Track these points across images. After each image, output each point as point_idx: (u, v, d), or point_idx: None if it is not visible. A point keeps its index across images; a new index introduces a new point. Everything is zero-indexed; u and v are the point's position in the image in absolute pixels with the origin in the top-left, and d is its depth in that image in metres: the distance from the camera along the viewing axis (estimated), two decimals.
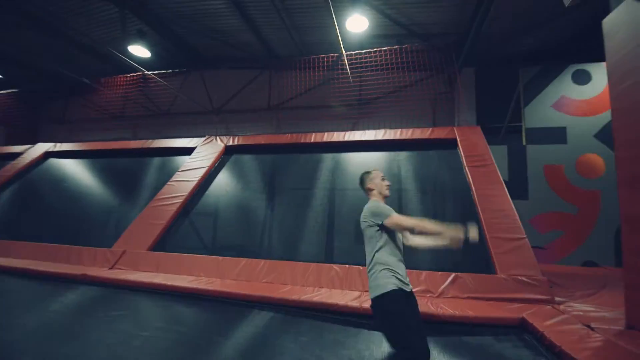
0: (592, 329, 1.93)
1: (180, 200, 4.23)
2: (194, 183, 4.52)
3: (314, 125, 8.23)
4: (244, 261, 3.23)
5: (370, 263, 1.76)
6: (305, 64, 7.55)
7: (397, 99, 7.43)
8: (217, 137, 5.49)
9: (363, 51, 5.94)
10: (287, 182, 4.83)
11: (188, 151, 5.44)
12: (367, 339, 2.05)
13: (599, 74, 5.09)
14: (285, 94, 8.77)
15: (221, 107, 9.07)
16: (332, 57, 6.21)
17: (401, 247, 1.85)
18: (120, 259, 3.53)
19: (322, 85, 8.13)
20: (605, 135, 4.94)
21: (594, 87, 5.10)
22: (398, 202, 3.99)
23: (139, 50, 6.31)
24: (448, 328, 2.22)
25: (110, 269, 3.43)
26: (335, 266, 3.00)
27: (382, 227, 1.77)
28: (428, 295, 2.63)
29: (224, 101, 9.12)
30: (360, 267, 2.90)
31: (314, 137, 5.04)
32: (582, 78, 5.17)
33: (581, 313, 2.21)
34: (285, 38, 7.62)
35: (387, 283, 1.64)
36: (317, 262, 3.15)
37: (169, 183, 4.61)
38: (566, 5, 2.27)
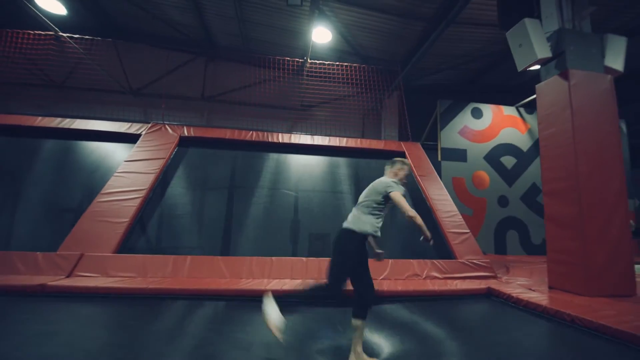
0: (532, 290, 2.87)
1: (141, 195, 3.71)
2: (152, 176, 4.00)
3: (249, 122, 8.11)
4: (254, 260, 3.18)
5: (360, 214, 2.00)
6: (255, 60, 7.42)
7: (335, 108, 8.11)
8: (167, 126, 4.94)
9: (327, 62, 6.32)
10: (254, 181, 4.77)
11: (126, 138, 4.71)
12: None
13: (487, 112, 6.95)
14: (222, 86, 8.34)
15: (141, 89, 7.89)
16: (298, 61, 6.36)
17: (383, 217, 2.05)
18: (78, 264, 2.90)
19: (263, 84, 8.12)
20: (489, 157, 6.77)
21: (484, 122, 6.92)
22: None
23: (50, 5, 4.98)
24: (437, 300, 2.86)
25: (69, 276, 2.79)
26: None
27: (386, 198, 2.00)
28: (417, 277, 3.25)
29: (143, 82, 7.96)
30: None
31: (280, 137, 5.15)
32: (477, 114, 6.94)
33: (518, 282, 3.21)
34: (232, 29, 7.32)
35: (368, 229, 1.94)
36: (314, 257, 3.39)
37: (116, 174, 3.94)
38: (519, 70, 3.27)
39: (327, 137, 5.33)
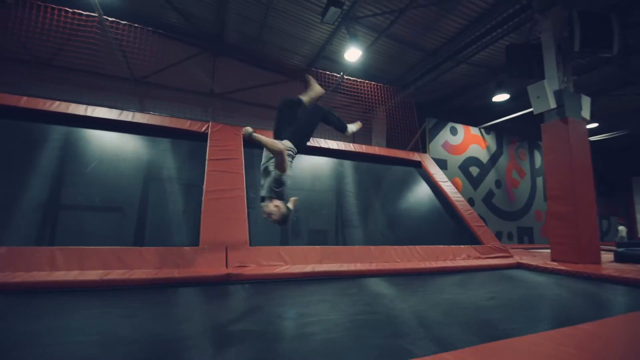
0: (546, 263, 4.32)
1: (242, 194, 4.02)
2: (242, 175, 4.30)
3: (251, 121, 8.36)
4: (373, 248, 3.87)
5: None
6: (264, 63, 7.72)
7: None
8: (226, 126, 5.12)
9: (359, 80, 7.11)
10: (304, 183, 5.31)
11: (189, 135, 4.79)
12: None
13: (460, 130, 8.73)
14: (227, 83, 8.32)
15: (145, 78, 7.39)
16: (336, 76, 6.99)
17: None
18: (228, 256, 3.19)
19: (270, 86, 8.47)
20: (462, 167, 8.54)
21: (458, 138, 8.68)
22: (414, 195, 5.57)
23: None
24: (488, 270, 4.07)
25: (228, 267, 3.08)
26: None
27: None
28: (468, 258, 4.42)
29: (145, 71, 7.43)
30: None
31: (324, 143, 5.79)
32: (454, 131, 8.66)
33: (531, 259, 4.66)
34: (249, 30, 7.50)
35: None
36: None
37: (209, 172, 4.12)
38: (535, 113, 4.72)
39: (361, 145, 6.19)
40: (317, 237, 4.78)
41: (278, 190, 2.46)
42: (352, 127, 3.36)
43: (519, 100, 9.00)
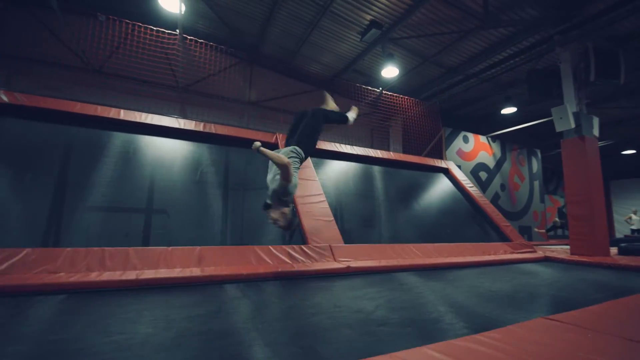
0: (567, 255, 5.22)
1: (324, 198, 4.62)
2: (317, 182, 4.89)
3: (281, 127, 8.91)
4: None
5: None
6: (296, 74, 8.28)
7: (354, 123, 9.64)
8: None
9: (397, 95, 7.80)
10: (366, 188, 5.97)
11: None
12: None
13: (471, 139, 9.67)
14: (260, 92, 8.80)
15: (189, 86, 7.75)
16: (375, 91, 7.64)
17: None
18: (333, 253, 3.80)
19: (301, 94, 9.03)
20: (473, 172, 9.47)
21: (470, 145, 9.60)
22: (441, 198, 6.34)
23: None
24: (522, 263, 4.91)
25: (336, 260, 3.70)
26: None
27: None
28: (504, 253, 5.24)
29: (190, 78, 7.80)
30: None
31: (372, 152, 6.47)
32: (466, 140, 9.57)
33: (553, 253, 5.56)
34: (287, 44, 8.02)
35: None
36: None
37: None
38: (557, 130, 5.60)
39: (398, 153, 6.92)
40: (371, 235, 5.45)
41: (285, 199, 2.65)
42: (352, 115, 3.63)
43: (520, 111, 10.07)
